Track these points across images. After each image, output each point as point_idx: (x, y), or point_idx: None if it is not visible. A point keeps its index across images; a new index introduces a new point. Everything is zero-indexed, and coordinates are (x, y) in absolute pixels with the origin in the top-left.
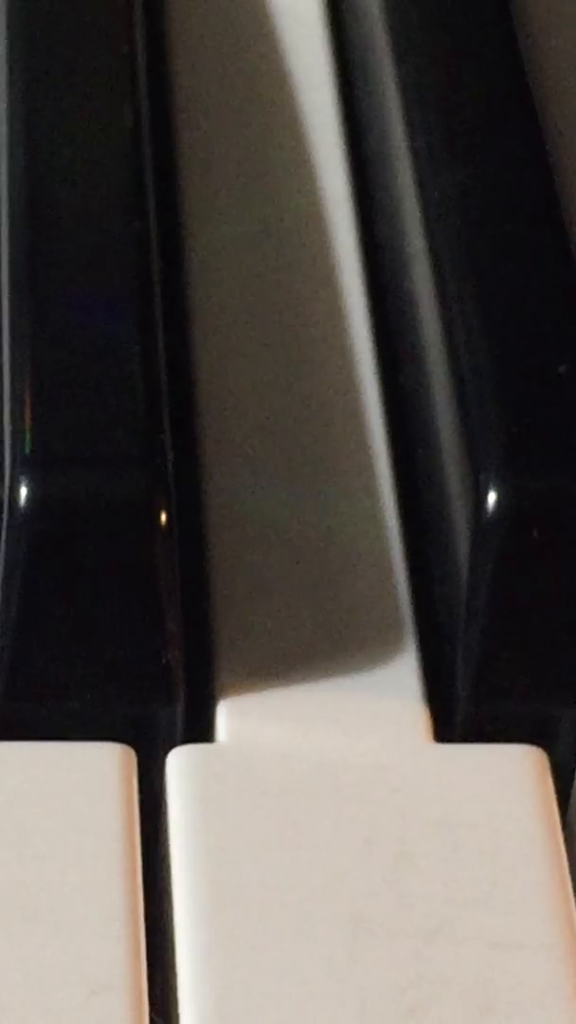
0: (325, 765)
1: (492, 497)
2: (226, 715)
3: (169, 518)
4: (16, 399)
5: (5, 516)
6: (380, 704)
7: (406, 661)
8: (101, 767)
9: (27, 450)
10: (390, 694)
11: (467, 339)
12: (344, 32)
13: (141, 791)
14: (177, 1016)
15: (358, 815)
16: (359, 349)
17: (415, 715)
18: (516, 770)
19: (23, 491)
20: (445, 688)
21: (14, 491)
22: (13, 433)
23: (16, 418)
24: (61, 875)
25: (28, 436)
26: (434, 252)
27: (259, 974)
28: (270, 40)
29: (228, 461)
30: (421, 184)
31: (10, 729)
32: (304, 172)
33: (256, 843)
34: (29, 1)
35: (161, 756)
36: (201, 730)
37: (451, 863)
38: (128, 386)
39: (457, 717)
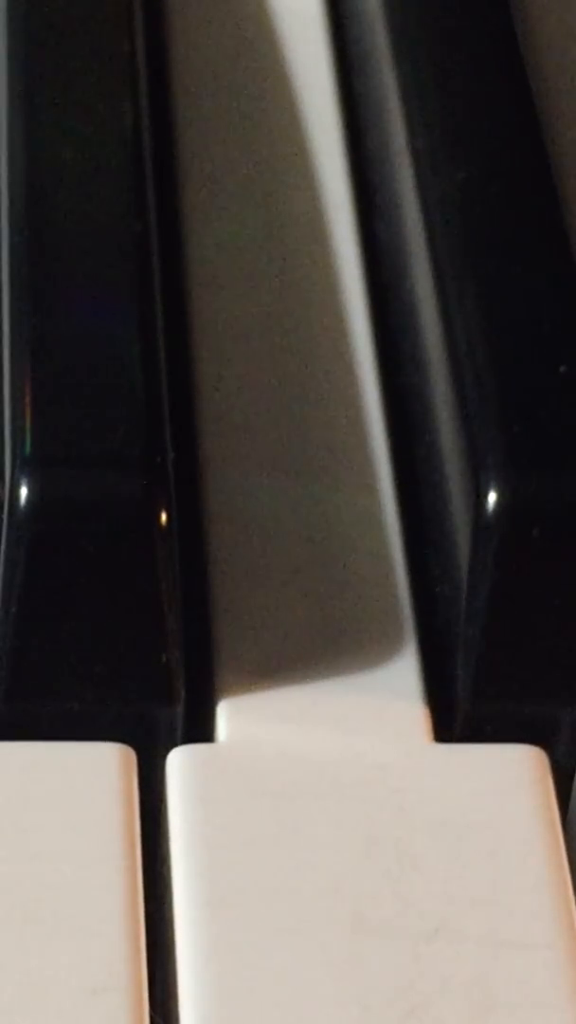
0: (325, 765)
1: (492, 497)
2: (226, 715)
3: (169, 518)
4: (16, 399)
5: (5, 516)
6: (380, 704)
7: (406, 661)
8: (101, 767)
9: (27, 450)
10: (390, 694)
11: (467, 339)
12: (344, 32)
13: (141, 791)
14: (177, 1016)
15: (358, 815)
16: (359, 349)
17: (415, 715)
18: (516, 770)
19: (23, 491)
20: (445, 688)
21: (14, 491)
22: (13, 433)
23: (16, 418)
24: (61, 875)
25: (28, 436)
26: (434, 252)
27: (259, 974)
28: (270, 40)
29: (228, 461)
30: (421, 184)
31: (10, 729)
32: (304, 172)
33: (256, 843)
34: (29, 1)
35: (161, 756)
36: (201, 730)
37: (451, 863)
38: (128, 386)
39: (457, 717)
